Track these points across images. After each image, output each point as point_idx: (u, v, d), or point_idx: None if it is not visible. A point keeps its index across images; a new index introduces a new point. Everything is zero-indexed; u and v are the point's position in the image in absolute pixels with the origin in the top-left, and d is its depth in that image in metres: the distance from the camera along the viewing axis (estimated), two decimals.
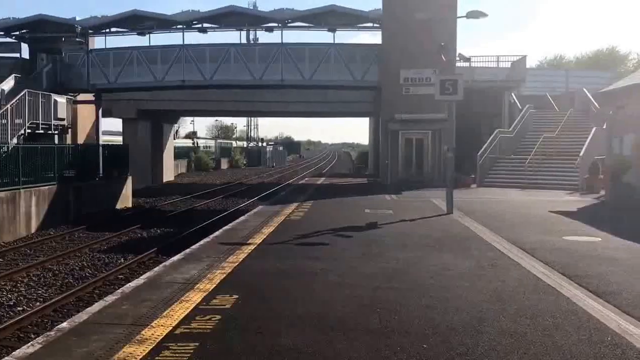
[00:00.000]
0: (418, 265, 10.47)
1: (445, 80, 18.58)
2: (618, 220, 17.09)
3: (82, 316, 7.28)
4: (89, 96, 35.35)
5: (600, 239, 13.51)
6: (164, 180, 52.95)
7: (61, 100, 30.10)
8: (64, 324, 6.97)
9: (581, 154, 28.30)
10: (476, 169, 30.75)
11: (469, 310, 7.59)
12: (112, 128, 65.00)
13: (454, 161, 19.27)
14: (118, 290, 8.74)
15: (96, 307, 7.75)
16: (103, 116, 37.36)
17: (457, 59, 26.34)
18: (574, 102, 37.53)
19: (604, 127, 27.25)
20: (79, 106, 35.66)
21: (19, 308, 12.69)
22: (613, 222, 16.67)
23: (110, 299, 8.13)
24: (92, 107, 35.84)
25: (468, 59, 35.44)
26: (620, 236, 13.83)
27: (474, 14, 20.45)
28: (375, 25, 34.09)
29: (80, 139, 35.63)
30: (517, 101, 36.94)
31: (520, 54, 36.50)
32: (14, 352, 6.16)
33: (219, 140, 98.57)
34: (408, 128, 31.83)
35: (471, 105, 31.59)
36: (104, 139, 36.36)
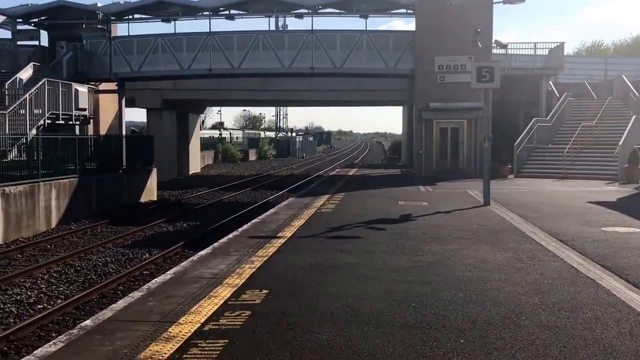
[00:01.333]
0: (454, 259, 10.48)
1: (482, 68, 18.49)
2: None
3: (106, 313, 7.31)
4: (112, 85, 35.61)
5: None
6: (190, 172, 53.26)
7: (82, 89, 30.29)
8: (87, 322, 7.00)
9: (620, 142, 28.37)
10: (513, 159, 30.69)
11: (506, 304, 7.64)
12: (136, 119, 65.54)
13: (490, 151, 19.25)
14: (144, 287, 8.76)
15: (121, 304, 7.77)
16: (126, 106, 37.58)
17: (494, 45, 26.11)
18: (612, 90, 37.63)
19: None
20: (101, 96, 35.98)
21: (39, 306, 12.74)
22: None
23: (135, 295, 8.17)
24: (115, 97, 36.09)
25: (505, 46, 35.08)
26: None
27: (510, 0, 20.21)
28: (408, 11, 33.83)
29: (103, 130, 36.01)
30: (554, 89, 36.82)
31: (558, 41, 36.19)
32: (35, 351, 6.17)
33: (246, 131, 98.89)
34: (443, 117, 31.75)
35: (508, 93, 31.47)
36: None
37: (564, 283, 8.72)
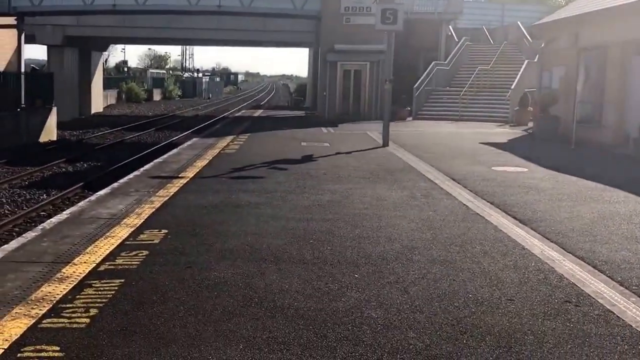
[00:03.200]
0: (352, 197, 10.66)
1: (386, 10, 18.63)
2: (545, 152, 18.28)
3: None
4: (10, 20, 33.72)
5: (527, 170, 14.33)
6: (93, 112, 51.58)
7: None
8: None
9: (512, 86, 29.73)
10: (412, 102, 31.28)
11: (400, 240, 7.85)
12: (37, 56, 62.64)
13: (391, 94, 19.55)
14: (38, 227, 8.46)
15: (13, 244, 7.46)
16: (26, 42, 35.79)
17: None
18: (508, 36, 38.74)
19: (536, 60, 28.38)
20: None
21: None
22: (540, 153, 17.81)
23: (29, 235, 7.87)
24: (14, 32, 34.22)
25: None
26: (546, 166, 14.75)
27: None
28: None
29: (1, 67, 34.19)
30: (454, 34, 37.59)
31: None
32: None
33: (151, 70, 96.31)
34: (347, 59, 31.85)
35: (409, 37, 31.89)
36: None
37: (455, 219, 9.05)
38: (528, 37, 35.66)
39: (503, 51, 35.71)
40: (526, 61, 31.72)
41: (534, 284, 6.29)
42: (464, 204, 10.19)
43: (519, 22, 38.28)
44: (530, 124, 25.67)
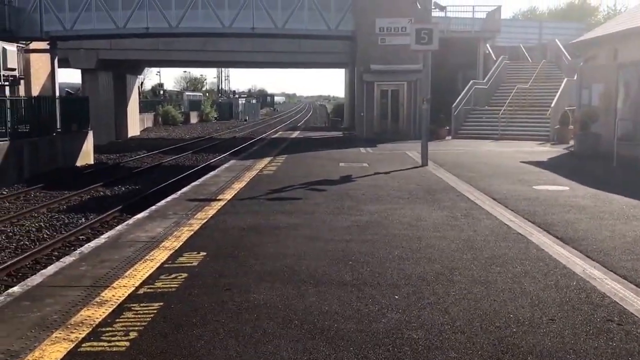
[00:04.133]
0: (391, 218, 10.68)
1: (421, 30, 18.70)
2: (586, 170, 18.22)
3: (36, 279, 7.15)
4: (43, 45, 34.57)
5: (568, 188, 14.20)
6: (129, 136, 52.45)
7: (11, 48, 29.30)
8: (15, 288, 6.84)
9: (552, 104, 29.55)
10: (451, 120, 31.34)
11: (441, 260, 7.87)
12: (71, 80, 63.99)
13: (429, 113, 19.73)
14: (76, 251, 8.63)
15: (51, 269, 7.63)
16: (60, 67, 36.60)
17: (433, 7, 26.42)
18: (546, 54, 38.72)
19: (575, 78, 28.19)
20: (33, 56, 34.88)
21: None
22: (581, 171, 17.78)
23: (67, 260, 8.02)
24: (47, 56, 35.09)
25: (443, 8, 35.41)
26: (587, 185, 14.62)
27: None
28: None
29: (35, 92, 34.99)
30: (491, 52, 37.66)
31: (495, 5, 37.01)
32: None
33: (187, 93, 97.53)
34: (383, 79, 31.97)
35: (447, 56, 31.90)
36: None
37: (496, 239, 9.04)
38: (567, 54, 35.60)
39: (542, 69, 35.69)
40: (565, 79, 31.60)
41: (576, 303, 6.26)
42: (505, 224, 10.16)
43: (557, 40, 38.25)
44: (571, 142, 25.44)
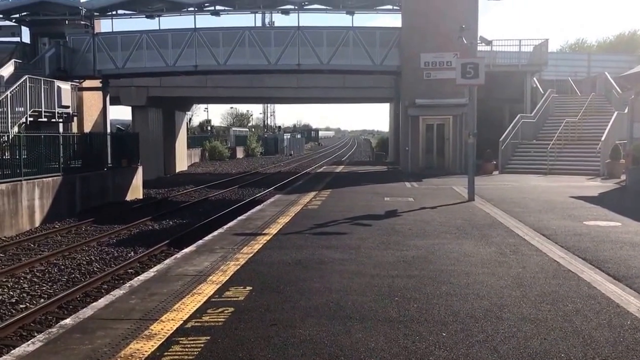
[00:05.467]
0: (438, 253, 10.58)
1: (466, 64, 18.65)
2: (639, 205, 17.71)
3: (87, 312, 7.25)
4: (96, 83, 35.44)
5: (620, 224, 13.86)
6: (177, 170, 53.16)
7: (65, 86, 30.06)
8: (67, 320, 6.94)
9: (603, 138, 28.96)
10: (498, 155, 31.05)
11: (489, 297, 7.74)
12: (121, 116, 65.27)
13: (475, 147, 19.51)
14: (126, 285, 8.71)
15: (102, 302, 7.72)
16: (111, 104, 37.44)
17: (479, 42, 26.36)
18: (595, 87, 38.13)
19: (626, 111, 27.70)
20: (86, 93, 35.80)
21: (21, 305, 12.67)
22: (634, 206, 17.36)
23: (117, 293, 8.12)
24: (99, 94, 35.99)
25: (489, 43, 35.25)
26: None
27: None
28: (394, 7, 33.97)
29: (87, 128, 35.84)
30: (539, 86, 37.25)
31: (542, 38, 36.68)
32: (13, 351, 6.11)
33: (234, 128, 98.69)
34: (429, 113, 31.97)
35: (493, 90, 31.79)
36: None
37: (546, 276, 8.85)
38: (617, 87, 34.95)
39: (591, 102, 35.02)
40: (616, 112, 30.92)
41: (630, 343, 6.08)
42: (555, 260, 9.94)
43: (606, 73, 37.60)
44: (623, 177, 24.88)
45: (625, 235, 12.33)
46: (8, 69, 29.88)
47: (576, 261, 9.91)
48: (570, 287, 8.23)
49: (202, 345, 6.02)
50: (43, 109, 28.05)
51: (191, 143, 66.89)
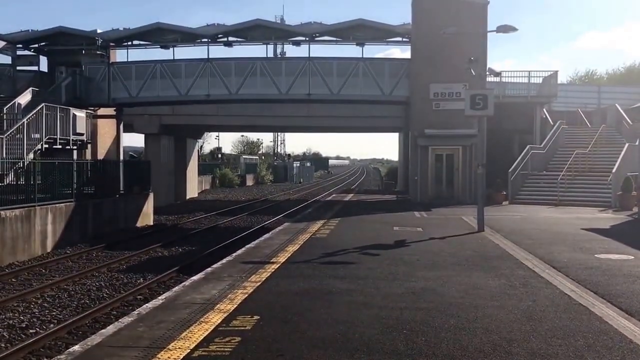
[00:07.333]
0: (447, 285, 10.46)
1: (476, 95, 18.67)
2: None
3: (95, 339, 7.23)
4: (110, 110, 35.66)
5: (633, 257, 13.66)
6: (188, 197, 53.17)
7: (80, 114, 30.24)
8: (76, 347, 6.92)
9: (614, 170, 28.77)
10: (507, 185, 30.97)
11: (498, 331, 7.61)
12: (134, 144, 65.56)
13: (485, 177, 19.37)
14: (134, 312, 8.69)
15: (110, 329, 7.70)
16: (124, 131, 37.64)
17: (488, 73, 26.43)
18: (606, 118, 37.95)
19: (637, 143, 27.65)
20: (100, 121, 35.98)
21: (31, 330, 12.64)
22: None
23: (125, 320, 8.09)
24: (113, 121, 36.20)
25: (498, 74, 35.58)
26: None
27: (504, 28, 20.27)
28: (404, 39, 34.16)
29: (100, 155, 35.95)
30: (548, 117, 37.15)
31: (552, 70, 36.64)
32: None
33: (244, 156, 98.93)
34: (438, 143, 31.93)
35: (502, 121, 31.75)
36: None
37: (556, 310, 8.71)
38: (628, 119, 34.76)
39: (601, 134, 34.76)
40: (627, 144, 30.62)
41: None
42: (566, 294, 9.78)
43: (617, 105, 37.41)
44: (635, 209, 24.59)
45: (638, 269, 12.14)
46: (26, 97, 30.12)
47: (588, 295, 9.75)
48: (582, 322, 8.09)
49: None
50: (58, 136, 28.16)
51: (202, 170, 67.05)
